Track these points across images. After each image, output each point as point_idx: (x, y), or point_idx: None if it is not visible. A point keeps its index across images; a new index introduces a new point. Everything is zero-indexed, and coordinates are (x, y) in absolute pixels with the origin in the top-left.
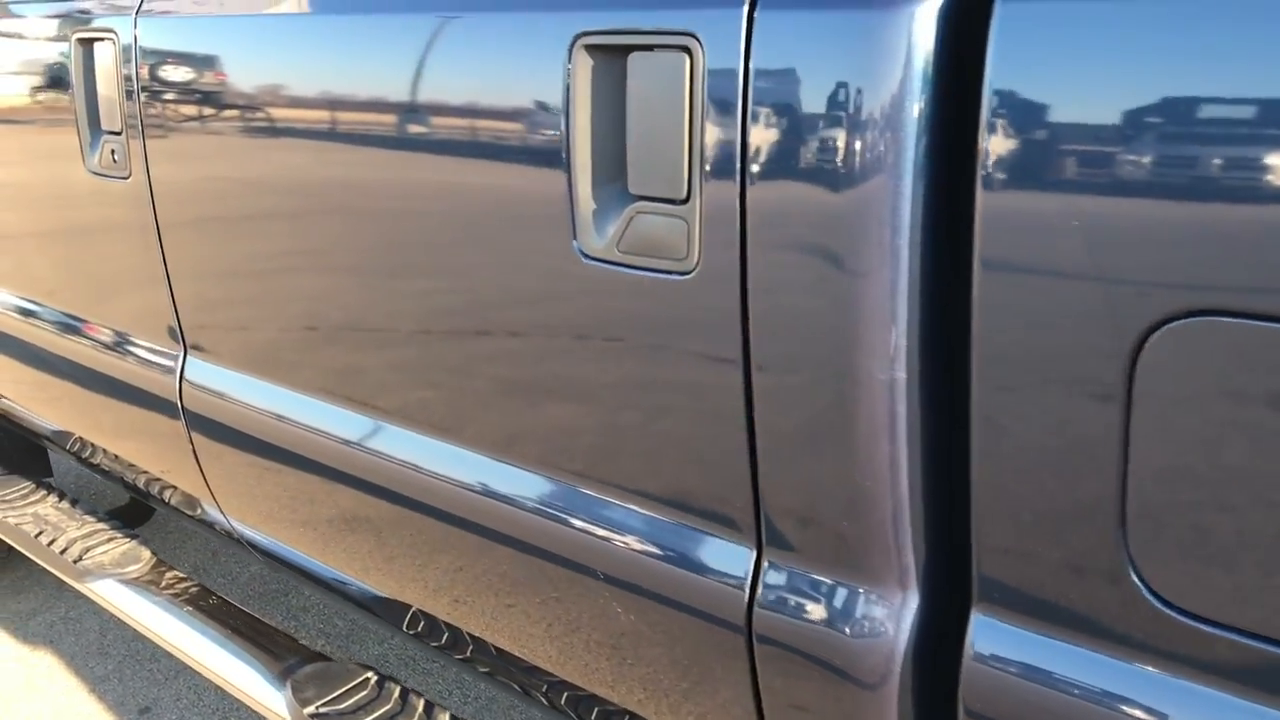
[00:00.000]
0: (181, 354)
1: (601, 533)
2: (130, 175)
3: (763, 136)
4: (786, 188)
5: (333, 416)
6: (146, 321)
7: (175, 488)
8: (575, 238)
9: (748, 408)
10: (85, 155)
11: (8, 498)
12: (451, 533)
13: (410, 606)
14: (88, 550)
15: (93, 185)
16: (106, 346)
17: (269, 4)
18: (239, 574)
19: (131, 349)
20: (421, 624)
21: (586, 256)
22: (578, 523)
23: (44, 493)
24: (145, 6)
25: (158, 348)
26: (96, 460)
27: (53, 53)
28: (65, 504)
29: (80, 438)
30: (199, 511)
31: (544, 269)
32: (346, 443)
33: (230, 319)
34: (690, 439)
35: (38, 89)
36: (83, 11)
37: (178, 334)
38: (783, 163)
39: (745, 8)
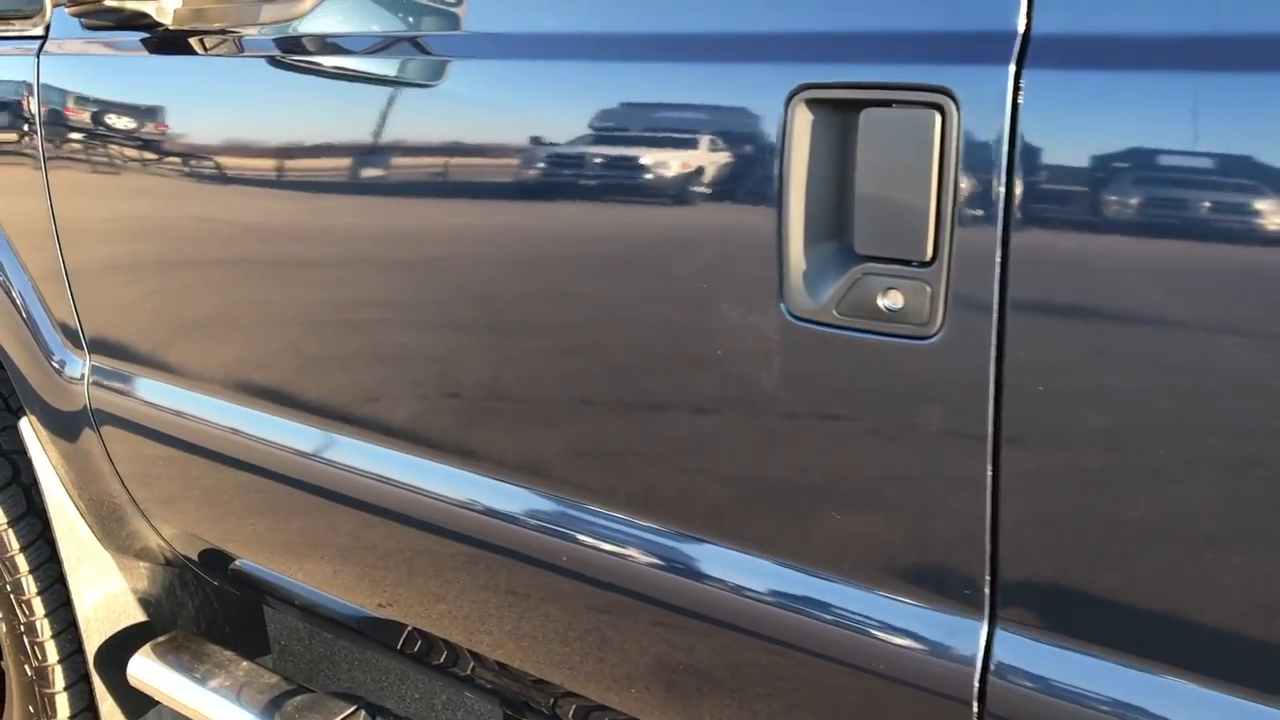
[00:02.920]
0: (985, 620)
1: None
2: (939, 332)
3: None
4: None
5: None
6: (910, 567)
7: None
8: None
9: None
10: (790, 289)
11: None
12: None
13: None
14: None
15: (799, 337)
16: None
17: None
18: None
19: (799, 591)
20: None
21: None
22: None
23: None
24: (1036, 45)
25: (927, 609)
26: (464, 671)
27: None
28: None
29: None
30: None
31: None
32: None
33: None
34: None
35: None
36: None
37: (982, 598)
38: None
39: None
